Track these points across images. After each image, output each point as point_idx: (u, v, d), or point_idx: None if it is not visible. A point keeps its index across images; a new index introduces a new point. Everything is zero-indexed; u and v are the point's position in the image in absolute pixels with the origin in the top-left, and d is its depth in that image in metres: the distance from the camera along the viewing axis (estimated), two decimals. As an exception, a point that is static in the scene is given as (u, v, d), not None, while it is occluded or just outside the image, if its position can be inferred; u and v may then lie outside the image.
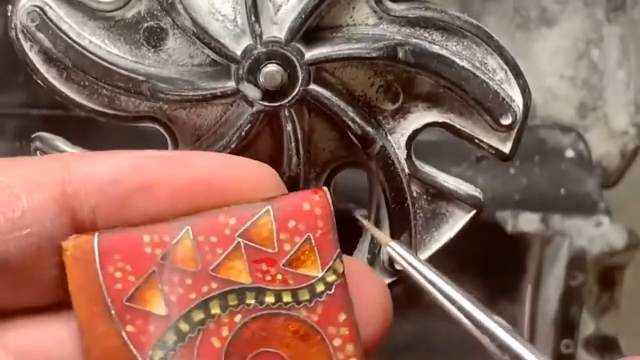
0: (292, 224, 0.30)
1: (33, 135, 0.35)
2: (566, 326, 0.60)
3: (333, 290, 0.30)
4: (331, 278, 0.30)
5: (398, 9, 0.34)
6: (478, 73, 0.34)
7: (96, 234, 0.30)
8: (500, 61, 0.34)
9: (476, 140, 0.35)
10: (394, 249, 0.30)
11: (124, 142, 0.36)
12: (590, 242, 0.58)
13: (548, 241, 0.59)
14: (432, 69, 0.34)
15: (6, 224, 0.30)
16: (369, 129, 0.34)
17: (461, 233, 0.35)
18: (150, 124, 0.35)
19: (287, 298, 0.30)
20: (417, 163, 0.35)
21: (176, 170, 0.31)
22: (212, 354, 0.30)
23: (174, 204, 0.30)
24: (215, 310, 0.30)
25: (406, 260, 0.30)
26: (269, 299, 0.30)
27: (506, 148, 0.35)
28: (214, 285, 0.30)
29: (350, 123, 0.34)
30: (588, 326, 0.61)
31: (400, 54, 0.33)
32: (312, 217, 0.30)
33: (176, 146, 0.35)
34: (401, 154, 0.35)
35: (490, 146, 0.35)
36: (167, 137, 0.35)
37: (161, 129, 0.35)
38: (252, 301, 0.30)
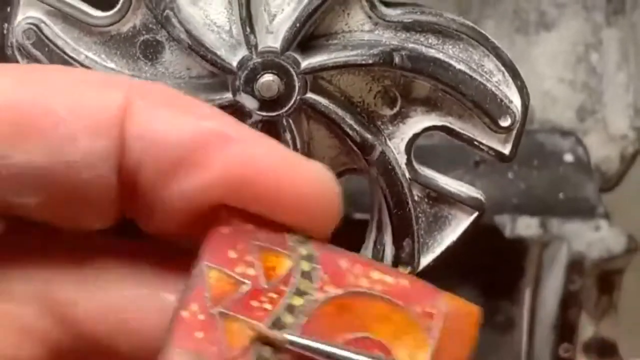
0: None
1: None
2: (565, 330, 0.60)
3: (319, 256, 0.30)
4: (305, 250, 0.30)
5: (393, 14, 0.34)
6: (475, 75, 0.34)
7: None
8: (497, 63, 0.34)
9: (476, 143, 0.35)
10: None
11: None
12: (589, 246, 0.58)
13: (546, 245, 0.59)
14: (429, 73, 0.34)
15: (60, 166, 0.29)
16: (368, 135, 0.34)
17: (464, 235, 0.35)
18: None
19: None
20: (418, 167, 0.35)
21: (232, 157, 0.30)
22: None
23: (214, 188, 0.30)
24: None
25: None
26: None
27: (506, 149, 0.35)
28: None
29: (348, 130, 0.34)
30: (587, 330, 0.61)
31: (397, 59, 0.33)
32: None
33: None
34: (401, 158, 0.34)
35: (490, 148, 0.35)
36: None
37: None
38: None
